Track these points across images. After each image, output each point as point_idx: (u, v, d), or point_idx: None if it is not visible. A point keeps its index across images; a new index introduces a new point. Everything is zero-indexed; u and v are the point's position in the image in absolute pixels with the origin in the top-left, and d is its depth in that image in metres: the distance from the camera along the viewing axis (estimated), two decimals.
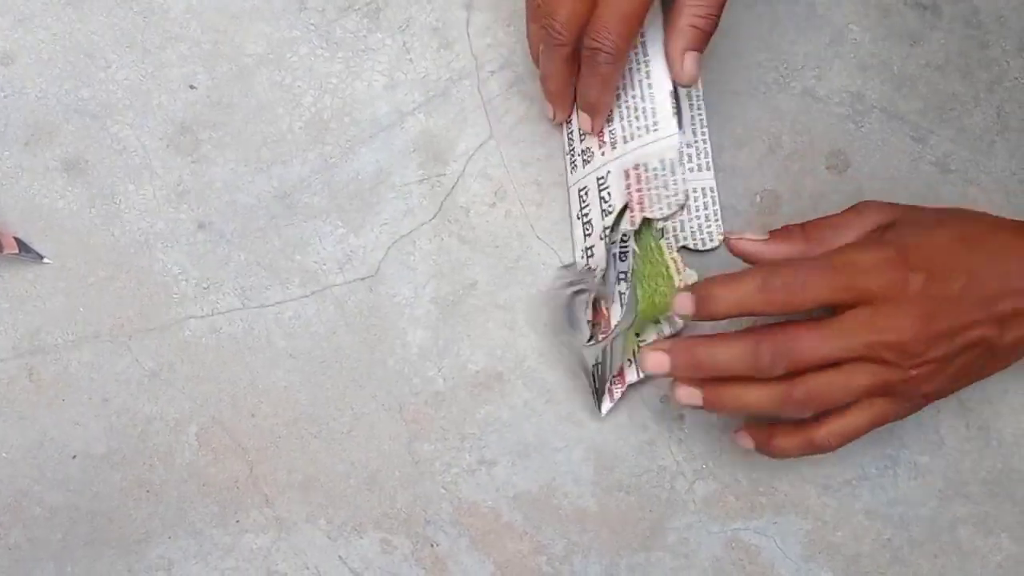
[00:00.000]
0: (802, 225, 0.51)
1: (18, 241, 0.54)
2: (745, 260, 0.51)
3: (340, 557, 0.52)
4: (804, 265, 0.47)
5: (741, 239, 0.51)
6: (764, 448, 0.50)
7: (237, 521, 0.52)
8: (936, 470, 0.53)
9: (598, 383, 0.53)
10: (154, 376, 0.53)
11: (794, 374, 0.46)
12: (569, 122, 0.56)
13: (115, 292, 0.54)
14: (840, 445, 0.48)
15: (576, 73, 0.52)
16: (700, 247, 0.55)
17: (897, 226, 0.49)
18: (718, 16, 0.51)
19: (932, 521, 0.53)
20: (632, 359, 0.53)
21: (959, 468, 0.54)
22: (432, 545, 0.52)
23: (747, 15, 0.58)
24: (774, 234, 0.51)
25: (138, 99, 0.57)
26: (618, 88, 0.53)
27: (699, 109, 0.57)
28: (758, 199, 0.57)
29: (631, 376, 0.53)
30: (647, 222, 0.53)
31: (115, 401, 0.53)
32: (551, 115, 0.55)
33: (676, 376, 0.47)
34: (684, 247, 0.55)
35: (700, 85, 0.57)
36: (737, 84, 0.58)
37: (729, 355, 0.46)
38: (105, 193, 0.56)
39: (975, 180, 0.57)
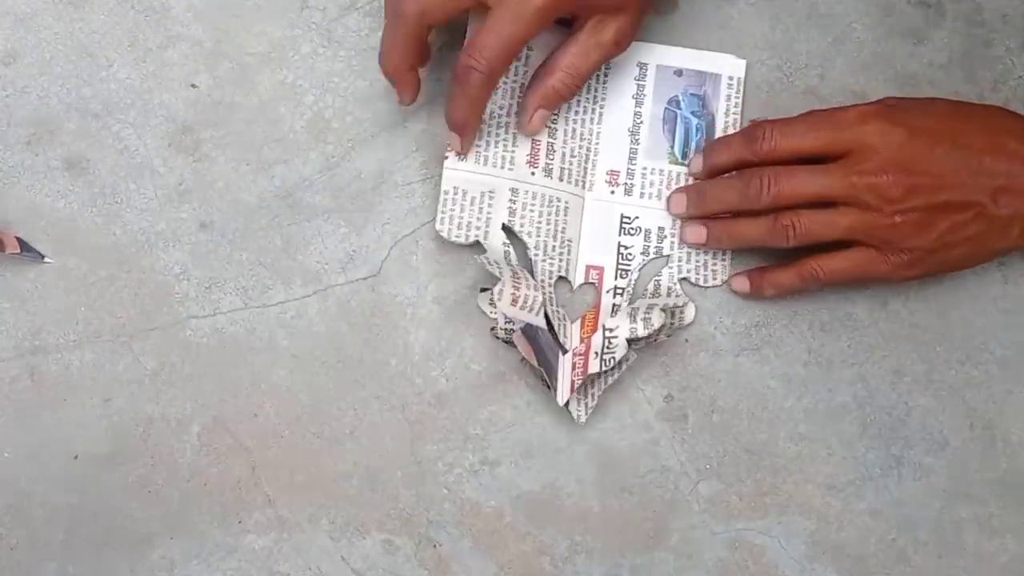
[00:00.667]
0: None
1: (20, 241, 0.54)
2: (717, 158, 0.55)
3: (343, 558, 0.52)
4: (791, 118, 0.52)
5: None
6: (759, 285, 0.53)
7: (239, 521, 0.52)
8: (941, 471, 0.53)
9: (549, 375, 0.52)
10: (156, 376, 0.53)
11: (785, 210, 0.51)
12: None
13: (117, 292, 0.54)
14: (828, 280, 0.52)
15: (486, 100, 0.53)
16: (702, 283, 0.55)
17: (905, 99, 0.52)
18: (580, 86, 0.54)
19: (937, 522, 0.53)
20: (599, 352, 0.52)
21: (964, 469, 0.53)
22: (435, 546, 0.52)
23: (749, 13, 0.58)
24: (750, 126, 0.55)
25: (140, 98, 0.57)
26: (483, 110, 0.53)
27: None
28: None
29: (594, 366, 0.52)
30: None
31: (117, 401, 0.53)
32: (458, 147, 0.54)
33: (689, 213, 0.54)
34: (685, 279, 0.55)
35: (740, 123, 0.57)
36: None
37: (727, 188, 0.53)
38: (107, 192, 0.55)
39: None
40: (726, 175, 0.54)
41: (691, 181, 0.56)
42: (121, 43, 0.58)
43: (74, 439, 0.52)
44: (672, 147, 0.57)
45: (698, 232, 0.54)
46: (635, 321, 0.51)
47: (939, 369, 0.54)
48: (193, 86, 0.57)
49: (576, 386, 0.52)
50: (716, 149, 0.54)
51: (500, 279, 0.51)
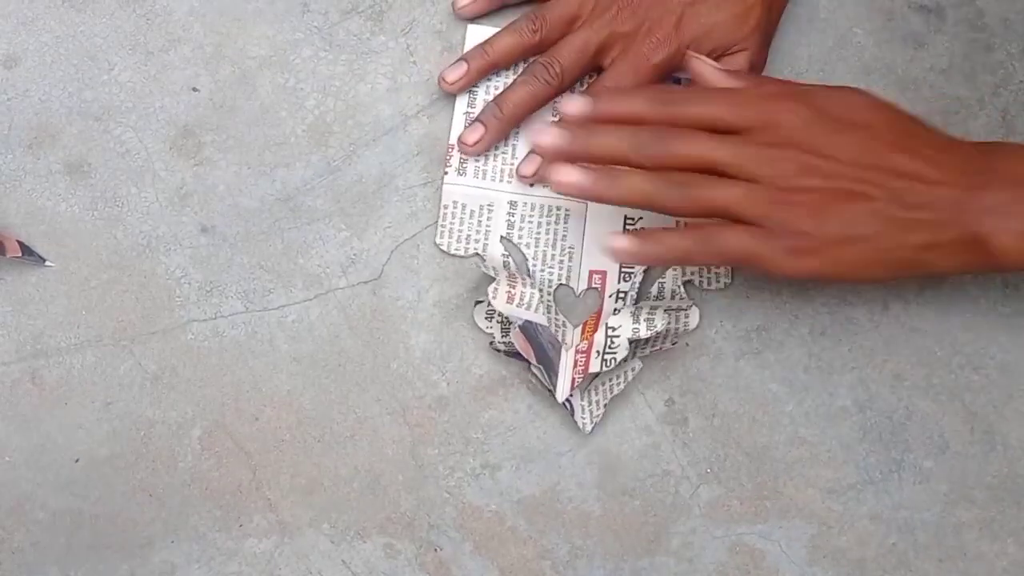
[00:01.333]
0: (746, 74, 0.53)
1: (21, 244, 0.54)
2: (698, 78, 0.52)
3: (343, 562, 0.52)
4: (698, 88, 0.50)
5: (702, 60, 0.52)
6: (644, 243, 0.48)
7: (240, 525, 0.52)
8: (941, 475, 0.53)
9: (548, 371, 0.52)
10: (157, 380, 0.53)
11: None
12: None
13: (118, 295, 0.54)
14: (719, 254, 0.48)
15: (531, 111, 0.55)
16: (705, 285, 0.55)
17: (831, 85, 0.50)
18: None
19: (937, 526, 0.53)
20: (600, 352, 0.52)
21: (964, 472, 0.53)
22: (435, 550, 0.52)
23: None
24: (727, 72, 0.52)
25: (141, 102, 0.57)
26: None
27: None
28: None
29: (595, 365, 0.52)
30: None
31: (118, 405, 0.53)
32: (473, 139, 0.55)
33: (564, 154, 0.48)
34: (689, 281, 0.55)
35: None
36: None
37: (618, 133, 0.48)
38: (108, 196, 0.56)
39: None
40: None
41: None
42: (123, 46, 0.58)
43: (75, 443, 0.52)
44: None
45: (576, 176, 0.48)
46: (638, 321, 0.51)
47: (939, 373, 0.54)
48: (194, 90, 0.57)
49: (577, 383, 0.52)
50: (614, 100, 0.49)
51: (495, 279, 0.52)
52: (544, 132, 0.48)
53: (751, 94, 0.49)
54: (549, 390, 0.52)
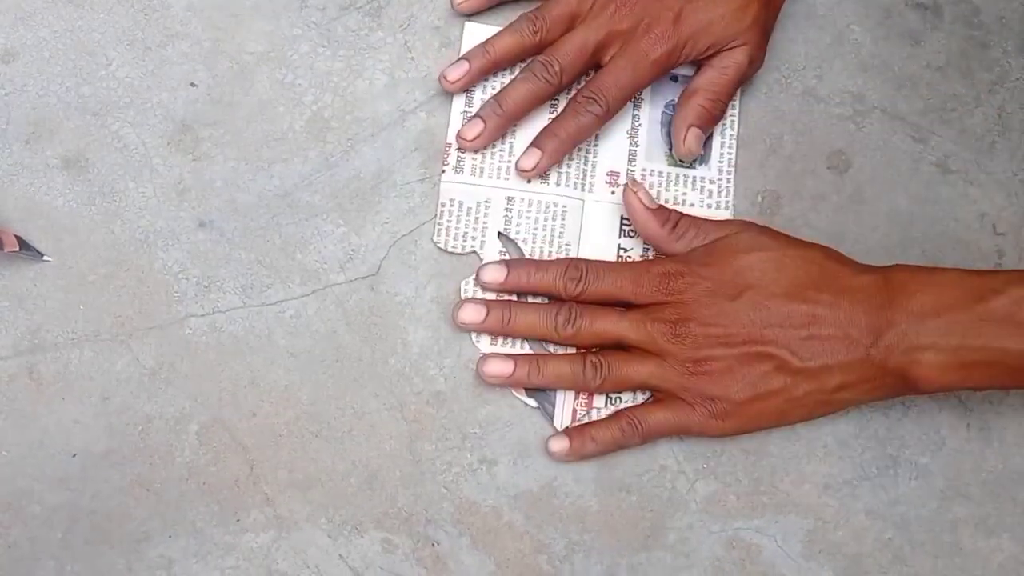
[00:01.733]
0: (678, 213, 0.53)
1: (18, 239, 0.54)
2: (627, 210, 0.54)
3: (341, 556, 0.52)
4: (606, 264, 0.53)
5: (637, 192, 0.53)
6: (581, 441, 0.51)
7: (237, 520, 0.52)
8: (937, 470, 0.53)
9: (545, 402, 0.53)
10: (154, 375, 0.53)
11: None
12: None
13: (115, 290, 0.54)
14: (648, 432, 0.51)
15: (531, 109, 0.56)
16: None
17: (726, 241, 0.52)
18: (726, 104, 0.56)
19: (933, 521, 0.53)
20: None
21: (960, 468, 0.54)
22: (433, 544, 0.52)
23: None
24: (655, 210, 0.53)
25: (139, 97, 0.57)
26: (577, 144, 0.56)
27: (731, 148, 0.57)
28: (759, 199, 0.57)
29: (599, 402, 0.53)
30: None
31: (115, 400, 0.53)
32: (472, 134, 0.56)
33: (482, 328, 0.53)
34: None
35: (737, 124, 0.57)
36: None
37: (534, 315, 0.52)
38: (105, 191, 0.56)
39: (976, 181, 0.57)
40: (532, 300, 0.54)
41: (477, 289, 0.55)
42: (120, 41, 0.58)
43: (72, 437, 0.52)
44: (670, 150, 0.57)
45: (503, 367, 0.52)
46: None
47: None
48: (192, 85, 0.57)
49: (578, 416, 0.53)
50: (526, 271, 0.53)
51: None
52: (467, 312, 0.53)
53: (654, 272, 0.51)
54: (546, 416, 0.53)
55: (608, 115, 0.55)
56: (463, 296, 0.54)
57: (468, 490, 0.53)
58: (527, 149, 0.55)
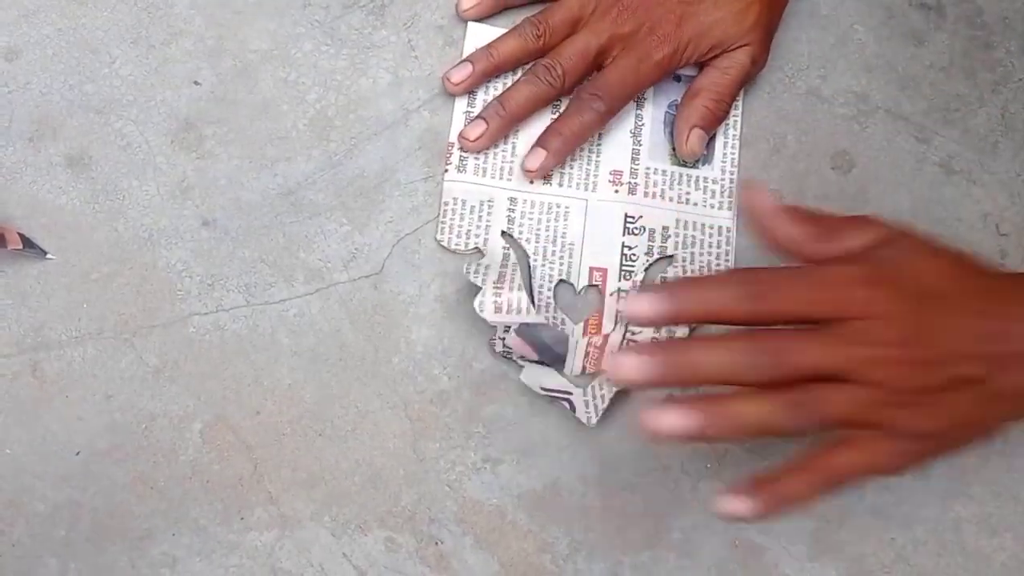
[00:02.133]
0: (811, 215, 0.44)
1: (22, 237, 0.54)
2: (749, 214, 0.44)
3: (344, 555, 0.52)
4: (783, 273, 0.42)
5: (759, 193, 0.44)
6: (769, 502, 0.42)
7: (241, 518, 0.52)
8: (940, 470, 0.53)
9: (556, 365, 0.53)
10: (158, 373, 0.53)
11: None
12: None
13: (118, 289, 0.54)
14: (845, 481, 0.43)
15: (533, 112, 0.56)
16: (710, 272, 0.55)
17: (894, 245, 0.43)
18: (729, 104, 0.56)
19: (936, 521, 0.53)
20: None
21: (963, 468, 0.54)
22: (436, 543, 0.52)
23: None
24: (786, 208, 0.44)
25: (142, 95, 0.57)
26: (581, 143, 0.56)
27: (734, 148, 0.57)
28: None
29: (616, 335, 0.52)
30: None
31: (119, 398, 0.53)
32: (474, 135, 0.56)
33: (655, 384, 0.40)
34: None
35: (740, 124, 0.57)
36: None
37: (720, 356, 0.40)
38: (109, 189, 0.55)
39: (979, 181, 0.57)
40: (716, 335, 0.41)
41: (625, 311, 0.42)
42: (124, 39, 0.57)
43: (76, 435, 0.52)
44: (673, 150, 0.57)
45: (683, 420, 0.39)
46: (658, 331, 0.51)
47: None
48: (196, 83, 0.57)
49: (587, 369, 0.52)
50: (695, 295, 0.41)
51: (481, 290, 0.52)
52: (629, 362, 0.39)
53: (837, 277, 0.41)
54: (548, 392, 0.52)
55: (611, 113, 0.55)
56: (475, 282, 0.52)
57: (472, 489, 0.53)
58: (532, 149, 0.55)
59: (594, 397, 0.52)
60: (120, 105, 0.57)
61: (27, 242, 0.54)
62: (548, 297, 0.54)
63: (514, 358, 0.53)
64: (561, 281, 0.55)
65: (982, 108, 0.58)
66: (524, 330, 0.52)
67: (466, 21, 0.58)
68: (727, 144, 0.57)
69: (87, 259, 0.54)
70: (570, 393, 0.52)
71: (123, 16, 0.58)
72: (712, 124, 0.56)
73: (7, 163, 0.56)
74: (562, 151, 0.55)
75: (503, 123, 0.55)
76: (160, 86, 0.57)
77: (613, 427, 0.53)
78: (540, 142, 0.55)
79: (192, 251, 0.55)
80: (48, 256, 0.54)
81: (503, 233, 0.55)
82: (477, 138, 0.55)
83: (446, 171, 0.56)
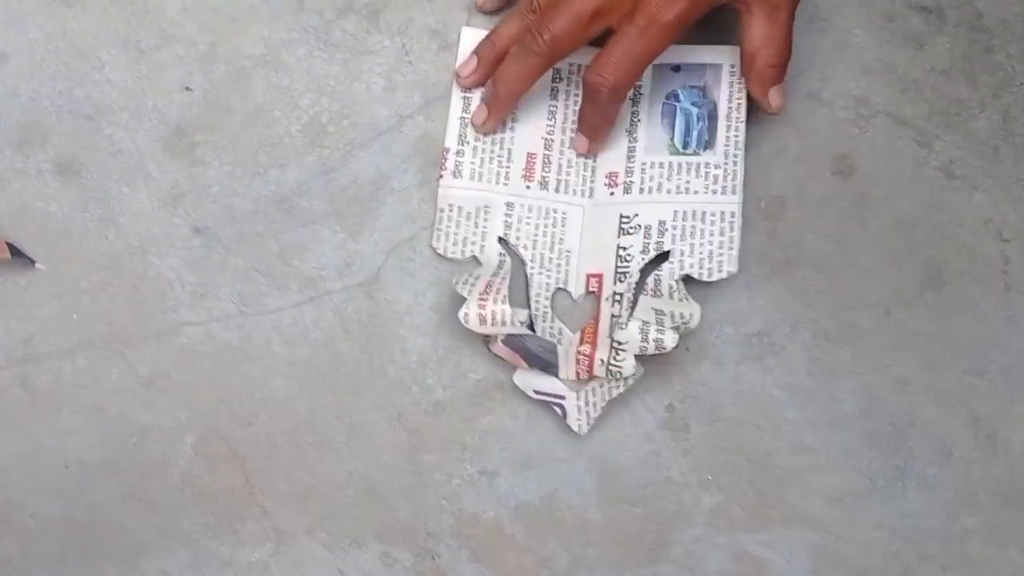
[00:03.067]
0: None
1: (10, 246, 0.53)
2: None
3: (340, 570, 0.51)
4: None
5: None
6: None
7: (234, 532, 0.51)
8: (945, 481, 0.53)
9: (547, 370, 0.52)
10: (149, 384, 0.52)
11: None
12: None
13: (109, 298, 0.53)
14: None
15: (528, 87, 0.54)
16: (706, 277, 0.53)
17: None
18: (789, 50, 0.53)
19: (942, 533, 0.52)
20: (605, 361, 0.51)
21: (968, 479, 0.53)
22: (433, 558, 0.51)
23: None
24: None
25: (133, 100, 0.56)
26: (616, 120, 0.54)
27: (736, 131, 0.56)
28: (763, 204, 0.56)
29: (600, 372, 0.51)
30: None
31: (110, 410, 0.52)
32: (480, 119, 0.55)
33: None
34: (688, 276, 0.53)
35: (744, 108, 0.56)
36: None
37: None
38: (99, 197, 0.55)
39: (980, 186, 0.57)
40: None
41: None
42: (114, 44, 0.57)
43: (66, 448, 0.52)
44: (672, 139, 0.56)
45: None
46: (646, 340, 0.50)
47: (944, 378, 0.54)
48: (187, 89, 0.56)
49: (580, 376, 0.51)
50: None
51: (466, 300, 0.51)
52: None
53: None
54: (549, 402, 0.51)
55: (622, 92, 0.52)
56: (462, 293, 0.52)
57: (468, 502, 0.52)
58: (576, 138, 0.55)
59: (587, 403, 0.51)
60: (110, 111, 0.56)
61: (15, 251, 0.53)
62: (545, 306, 0.54)
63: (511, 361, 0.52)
64: (559, 289, 0.54)
65: (983, 112, 0.58)
66: (511, 340, 0.51)
67: (483, 14, 0.57)
68: (730, 127, 0.56)
69: (77, 268, 0.54)
70: (563, 397, 0.51)
71: (113, 20, 0.57)
72: (782, 75, 0.54)
73: None
74: (603, 137, 0.54)
75: (501, 103, 0.54)
76: (151, 92, 0.56)
77: (612, 438, 0.53)
78: (576, 144, 0.55)
79: (184, 259, 0.54)
80: (37, 265, 0.53)
81: (500, 240, 0.54)
82: (484, 122, 0.55)
83: (441, 177, 0.55)
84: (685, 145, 0.55)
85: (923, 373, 0.54)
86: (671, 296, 0.52)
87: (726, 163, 0.55)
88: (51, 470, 0.51)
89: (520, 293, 0.53)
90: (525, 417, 0.53)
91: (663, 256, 0.54)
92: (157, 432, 0.52)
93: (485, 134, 0.55)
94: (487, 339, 0.52)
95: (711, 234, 0.53)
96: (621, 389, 0.51)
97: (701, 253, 0.53)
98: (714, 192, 0.54)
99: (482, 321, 0.50)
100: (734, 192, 0.54)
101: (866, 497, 0.52)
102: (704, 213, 0.54)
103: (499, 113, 0.55)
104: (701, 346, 0.54)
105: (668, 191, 0.54)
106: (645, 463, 0.52)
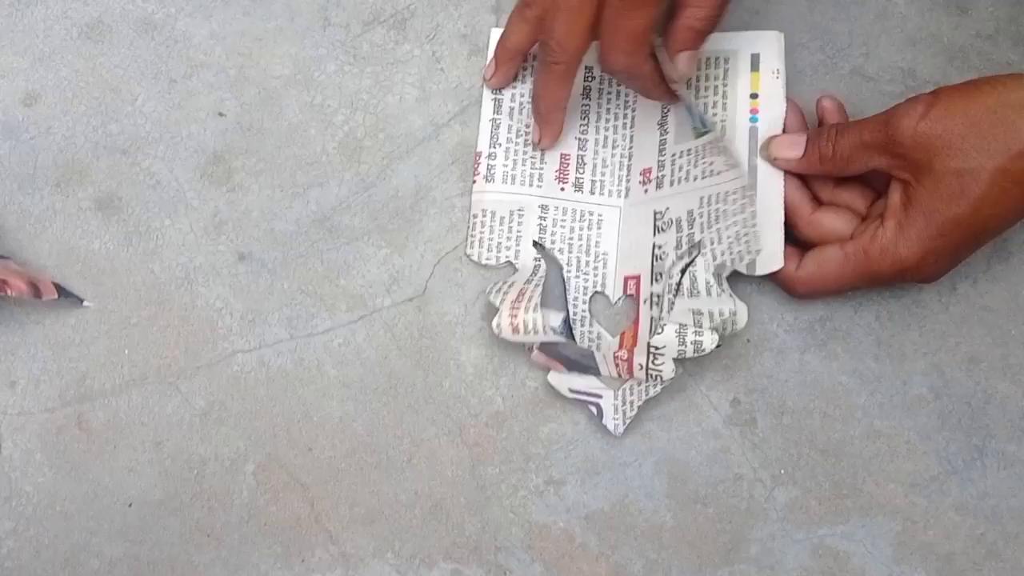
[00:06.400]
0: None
1: (57, 286, 0.53)
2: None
3: None
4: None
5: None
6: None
7: (302, 560, 0.50)
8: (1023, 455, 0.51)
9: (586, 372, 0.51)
10: (205, 415, 0.52)
11: None
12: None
13: (159, 331, 0.53)
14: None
15: (563, 96, 0.53)
16: (738, 263, 0.50)
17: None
18: (718, 16, 0.50)
19: None
20: (644, 365, 0.49)
21: None
22: (505, 573, 0.50)
23: None
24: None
25: (167, 131, 0.55)
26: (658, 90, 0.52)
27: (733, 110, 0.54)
28: None
29: (639, 375, 0.49)
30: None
31: (168, 444, 0.51)
32: (536, 138, 0.54)
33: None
34: (722, 266, 0.50)
35: (782, 71, 0.54)
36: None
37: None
38: (141, 230, 0.54)
39: None
40: None
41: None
42: (144, 76, 0.56)
43: (127, 487, 0.51)
44: (695, 124, 0.54)
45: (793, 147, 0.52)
46: (684, 343, 0.48)
47: (1016, 352, 0.52)
48: (220, 114, 0.56)
49: (620, 374, 0.50)
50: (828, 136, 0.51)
51: (498, 310, 0.50)
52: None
53: None
54: (590, 405, 0.50)
55: (637, 67, 0.50)
56: (495, 303, 0.51)
57: (537, 513, 0.51)
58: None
59: (624, 402, 0.50)
60: (146, 143, 0.55)
61: (62, 291, 0.53)
62: (583, 311, 0.52)
63: (548, 365, 0.51)
64: (596, 293, 0.53)
65: None
66: (546, 347, 0.50)
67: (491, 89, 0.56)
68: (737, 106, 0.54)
69: (125, 304, 0.53)
70: (599, 396, 0.50)
71: (142, 52, 0.56)
72: (700, 41, 0.50)
73: (35, 211, 0.54)
74: (660, 95, 0.53)
75: (547, 120, 0.54)
76: (185, 121, 0.55)
77: (678, 437, 0.51)
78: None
79: (230, 287, 0.53)
80: (85, 303, 0.53)
81: (535, 243, 0.53)
82: (539, 141, 0.54)
83: (474, 182, 0.54)
84: (704, 124, 0.53)
85: (995, 349, 0.52)
86: (709, 293, 0.50)
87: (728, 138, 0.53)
88: (113, 510, 0.51)
89: (557, 298, 0.52)
90: (587, 423, 0.51)
91: (696, 252, 0.52)
92: (217, 464, 0.51)
93: (550, 146, 0.55)
94: (528, 347, 0.51)
95: (733, 213, 0.51)
96: (659, 389, 0.49)
97: (728, 236, 0.51)
98: (731, 167, 0.52)
99: (515, 330, 0.49)
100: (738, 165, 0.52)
101: (945, 480, 0.51)
102: (725, 194, 0.51)
103: (550, 128, 0.54)
104: (763, 337, 0.52)
105: (695, 178, 0.53)
106: (714, 461, 0.51)
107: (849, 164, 0.50)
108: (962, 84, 0.48)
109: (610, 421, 0.50)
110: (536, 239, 0.53)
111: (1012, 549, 0.50)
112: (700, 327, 0.48)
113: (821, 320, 0.52)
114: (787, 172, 0.52)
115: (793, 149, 0.51)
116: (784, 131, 0.53)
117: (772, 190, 0.52)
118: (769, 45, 0.54)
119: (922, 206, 0.47)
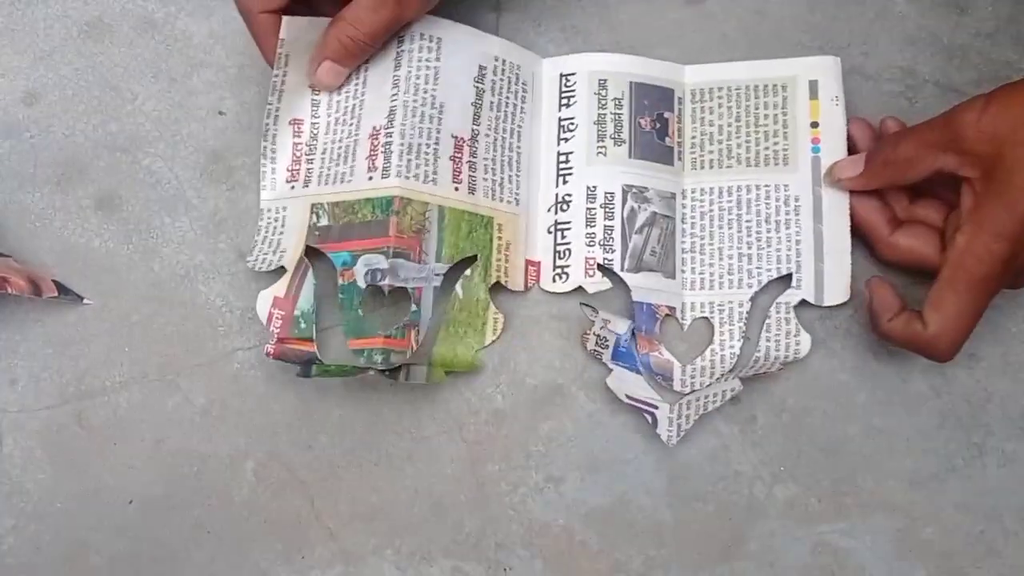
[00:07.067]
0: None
1: (57, 284, 0.53)
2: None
3: None
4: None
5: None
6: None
7: (303, 557, 0.50)
8: (1022, 453, 0.51)
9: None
10: (206, 413, 0.52)
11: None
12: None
13: (160, 329, 0.53)
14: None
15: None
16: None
17: None
18: (369, 45, 0.50)
19: None
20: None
21: None
22: (505, 570, 0.50)
23: None
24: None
25: (167, 129, 0.55)
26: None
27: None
28: None
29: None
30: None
31: (169, 441, 0.51)
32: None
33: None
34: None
35: (842, 98, 0.54)
36: None
37: None
38: (141, 228, 0.54)
39: None
40: None
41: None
42: (144, 75, 0.56)
43: (127, 484, 0.51)
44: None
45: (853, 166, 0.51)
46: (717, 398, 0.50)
47: (1015, 350, 0.52)
48: (220, 113, 0.56)
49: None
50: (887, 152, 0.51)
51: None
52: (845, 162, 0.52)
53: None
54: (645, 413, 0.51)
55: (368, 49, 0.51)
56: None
57: (537, 510, 0.51)
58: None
59: (679, 416, 0.50)
60: (146, 142, 0.55)
61: (63, 289, 0.53)
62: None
63: (603, 360, 0.51)
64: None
65: None
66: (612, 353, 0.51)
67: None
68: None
69: (125, 301, 0.53)
70: (656, 407, 0.50)
71: (141, 51, 0.56)
72: (348, 60, 0.51)
73: (35, 209, 0.54)
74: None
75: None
76: (185, 119, 0.56)
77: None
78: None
79: (230, 284, 0.53)
80: (85, 301, 0.53)
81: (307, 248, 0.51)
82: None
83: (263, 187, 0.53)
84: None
85: (994, 346, 0.52)
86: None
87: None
88: (114, 507, 0.51)
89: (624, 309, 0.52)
90: (587, 420, 0.52)
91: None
92: (217, 461, 0.51)
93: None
94: (585, 334, 0.51)
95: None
96: (717, 404, 0.50)
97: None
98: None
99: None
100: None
101: (945, 478, 0.51)
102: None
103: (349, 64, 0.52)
104: None
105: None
106: (714, 458, 0.51)
107: (913, 166, 0.48)
108: (1017, 80, 0.47)
109: (664, 431, 0.49)
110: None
111: (1012, 546, 0.50)
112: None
113: (821, 318, 0.52)
114: (855, 192, 0.52)
115: (855, 166, 0.51)
116: (850, 151, 0.53)
117: (838, 221, 0.52)
118: (827, 71, 0.54)
119: (1000, 198, 0.45)
